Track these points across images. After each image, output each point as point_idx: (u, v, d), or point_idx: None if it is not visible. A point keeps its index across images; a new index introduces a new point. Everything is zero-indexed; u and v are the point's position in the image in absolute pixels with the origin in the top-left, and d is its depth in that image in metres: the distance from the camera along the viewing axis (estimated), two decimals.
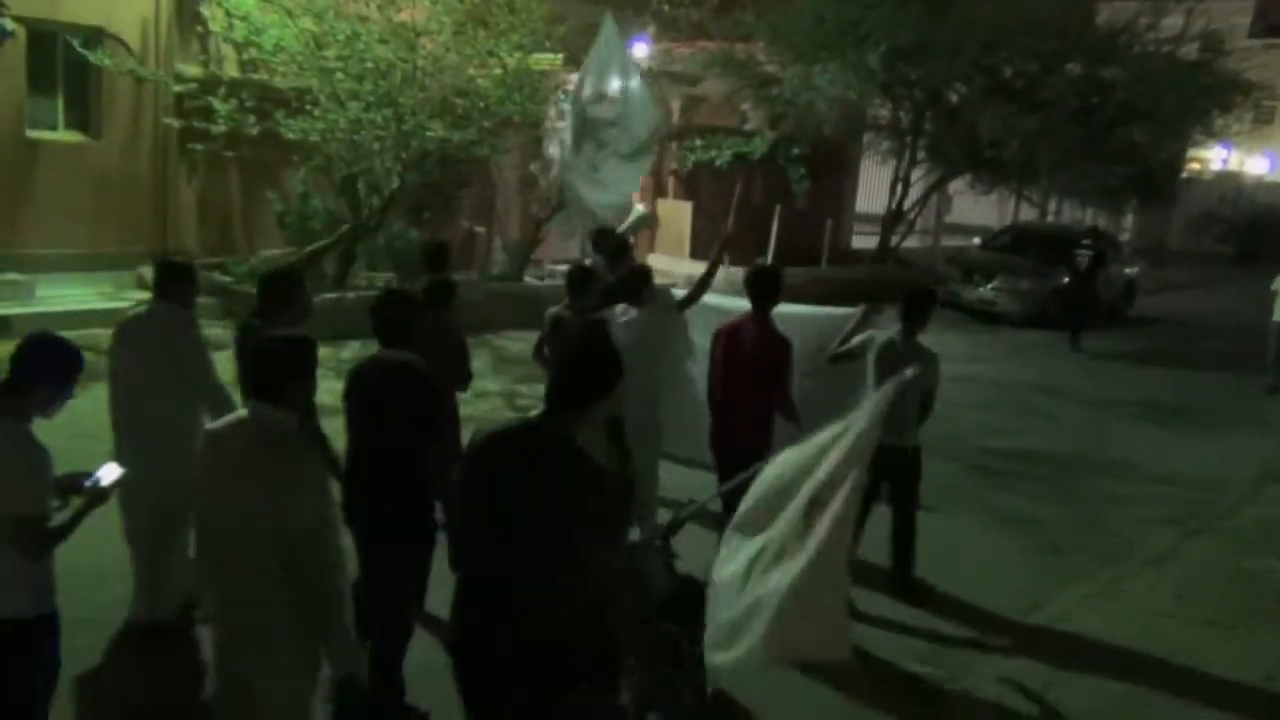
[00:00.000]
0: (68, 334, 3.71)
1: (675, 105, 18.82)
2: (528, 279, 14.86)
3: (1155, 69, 16.23)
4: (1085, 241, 17.25)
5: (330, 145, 11.66)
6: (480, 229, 15.42)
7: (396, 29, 11.43)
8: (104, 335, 6.89)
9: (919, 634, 5.87)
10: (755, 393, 5.65)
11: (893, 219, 17.60)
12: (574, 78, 13.18)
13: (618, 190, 9.01)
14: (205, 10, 12.27)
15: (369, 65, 11.38)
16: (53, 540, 3.36)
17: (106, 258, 11.85)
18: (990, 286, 17.16)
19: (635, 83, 9.01)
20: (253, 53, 12.08)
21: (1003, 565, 7.02)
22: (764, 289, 5.80)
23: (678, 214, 19.15)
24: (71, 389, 3.54)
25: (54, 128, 12.15)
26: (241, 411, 3.45)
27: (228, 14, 11.88)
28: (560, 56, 13.41)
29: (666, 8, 16.06)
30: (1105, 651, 5.89)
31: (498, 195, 15.53)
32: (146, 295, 11.38)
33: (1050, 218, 26.42)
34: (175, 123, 12.36)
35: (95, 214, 12.26)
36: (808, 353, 6.13)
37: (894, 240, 17.15)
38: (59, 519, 3.42)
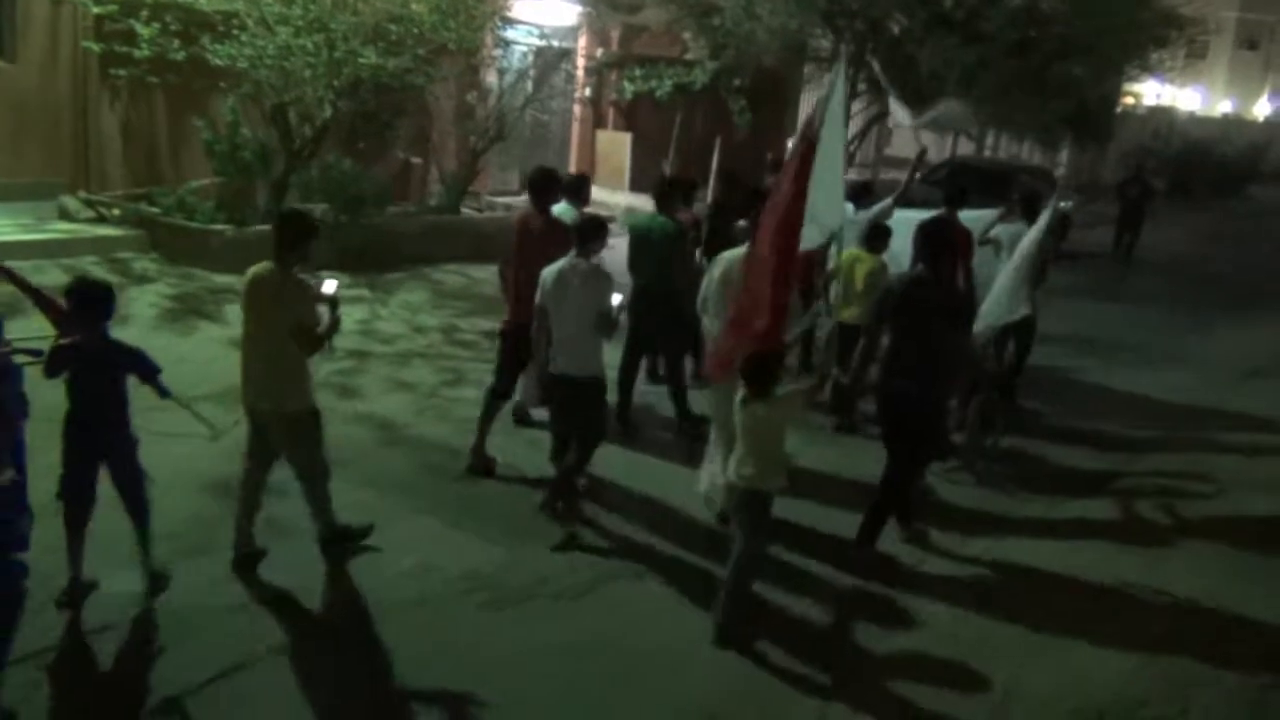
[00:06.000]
0: None
1: (614, 34, 18.55)
2: (465, 211, 14.65)
3: (1093, 2, 16.27)
4: (1135, 177, 19.27)
5: (259, 72, 11.29)
6: (416, 160, 15.15)
7: None
8: (26, 267, 6.67)
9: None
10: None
11: None
12: (513, 4, 12.96)
13: None
14: None
15: None
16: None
17: (26, 187, 11.46)
18: None
19: None
20: None
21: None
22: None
23: (617, 145, 18.99)
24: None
25: None
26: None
27: None
28: None
29: None
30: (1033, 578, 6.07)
31: (434, 125, 15.24)
32: (69, 226, 11.17)
33: (988, 152, 26.62)
34: (96, 47, 11.89)
35: (12, 142, 11.83)
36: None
37: None
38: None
